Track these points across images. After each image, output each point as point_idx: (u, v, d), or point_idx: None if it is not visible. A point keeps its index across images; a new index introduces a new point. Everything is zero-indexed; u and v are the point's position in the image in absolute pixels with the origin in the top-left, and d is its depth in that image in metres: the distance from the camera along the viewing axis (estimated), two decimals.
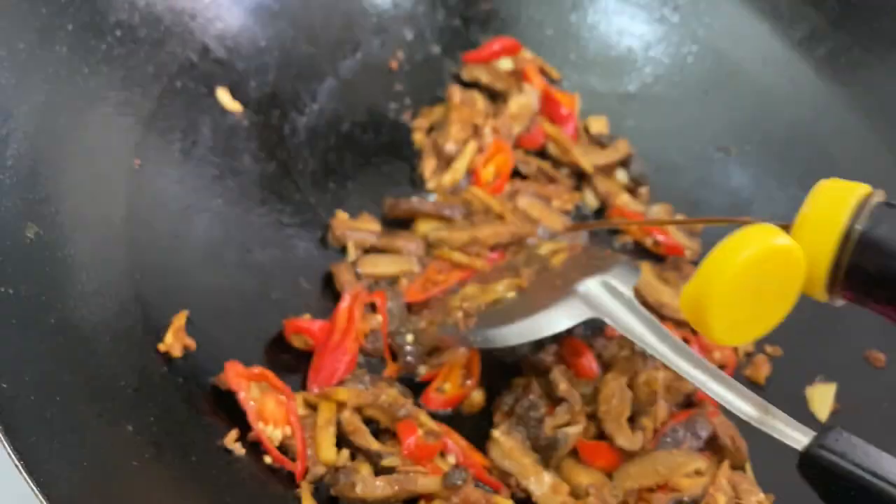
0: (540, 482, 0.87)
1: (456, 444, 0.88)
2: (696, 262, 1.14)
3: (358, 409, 0.86)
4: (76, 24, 0.92)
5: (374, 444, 0.84)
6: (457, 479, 0.79)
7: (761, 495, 0.88)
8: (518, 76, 1.25)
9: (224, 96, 1.07)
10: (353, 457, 0.84)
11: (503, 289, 0.97)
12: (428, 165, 1.17)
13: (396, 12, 1.23)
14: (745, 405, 0.81)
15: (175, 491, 0.71)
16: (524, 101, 1.21)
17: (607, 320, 0.89)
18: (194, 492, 0.72)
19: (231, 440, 0.79)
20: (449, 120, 1.17)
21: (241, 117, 1.08)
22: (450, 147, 1.15)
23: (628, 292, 0.92)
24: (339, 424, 0.85)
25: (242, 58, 1.10)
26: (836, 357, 1.04)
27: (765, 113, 1.23)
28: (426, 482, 0.80)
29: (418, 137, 1.19)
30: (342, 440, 0.84)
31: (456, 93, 1.20)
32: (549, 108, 1.23)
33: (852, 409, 1.00)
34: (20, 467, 0.60)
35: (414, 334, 0.97)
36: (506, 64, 1.26)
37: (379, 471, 0.82)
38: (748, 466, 0.93)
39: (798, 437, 0.78)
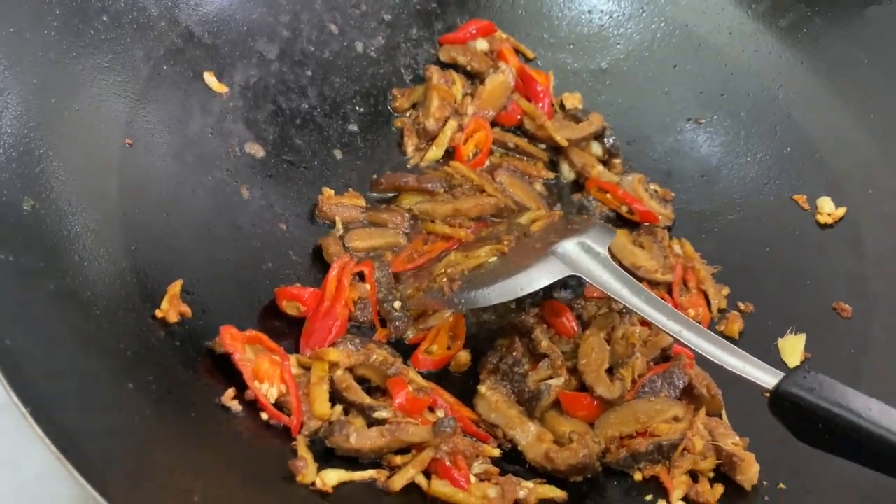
0: (525, 432, 0.91)
1: (444, 400, 0.92)
2: (669, 228, 1.19)
3: (350, 369, 0.89)
4: (64, 9, 0.95)
5: (366, 399, 0.87)
6: (446, 427, 0.82)
7: (736, 438, 0.92)
8: (494, 56, 1.29)
9: (211, 79, 1.10)
10: (346, 412, 0.87)
11: (485, 254, 1.02)
12: (410, 143, 1.20)
13: None
14: (717, 350, 0.87)
15: (177, 443, 0.74)
16: (501, 79, 1.25)
17: (584, 277, 0.94)
18: (195, 444, 0.75)
19: (228, 398, 0.82)
20: (429, 99, 1.21)
21: (228, 99, 1.11)
22: (431, 125, 1.19)
23: (603, 251, 0.97)
24: (331, 382, 0.88)
25: (227, 42, 1.13)
26: (806, 310, 1.09)
27: (731, 83, 1.28)
28: (417, 431, 0.83)
29: (399, 117, 1.23)
30: (336, 397, 0.87)
31: (435, 73, 1.24)
32: (525, 85, 1.28)
33: (821, 357, 1.04)
34: (27, 414, 0.63)
35: (401, 301, 1.00)
36: (482, 45, 1.30)
37: (371, 423, 0.85)
38: (724, 412, 0.97)
39: (768, 378, 0.82)
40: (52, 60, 0.92)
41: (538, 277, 0.95)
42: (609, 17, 1.34)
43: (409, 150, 1.20)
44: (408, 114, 1.24)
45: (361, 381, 0.91)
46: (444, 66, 1.28)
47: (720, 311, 1.10)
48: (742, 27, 1.29)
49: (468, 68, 1.28)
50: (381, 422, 0.85)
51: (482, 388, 0.95)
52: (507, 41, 1.31)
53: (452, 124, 1.21)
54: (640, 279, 1.10)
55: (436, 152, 1.19)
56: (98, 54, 0.98)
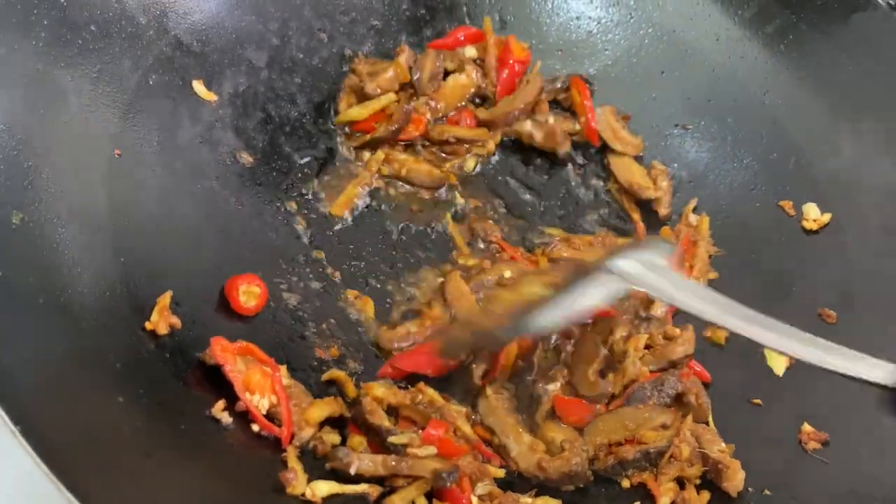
0: (518, 442, 0.92)
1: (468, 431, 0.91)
2: (639, 158, 1.25)
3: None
4: (51, 19, 0.95)
5: (385, 422, 0.87)
6: (446, 481, 0.82)
7: (722, 445, 0.93)
8: (482, 64, 1.29)
9: (199, 88, 1.10)
10: (343, 441, 0.88)
11: (536, 288, 0.96)
12: (344, 101, 1.20)
13: (362, 2, 1.27)
14: (814, 350, 0.81)
15: (167, 456, 0.74)
16: (463, 81, 1.25)
17: (646, 290, 0.90)
18: (185, 457, 0.76)
19: (218, 410, 0.83)
20: (384, 70, 1.20)
21: (217, 107, 1.11)
22: (370, 88, 1.18)
23: (661, 261, 0.91)
24: (359, 403, 0.89)
25: (216, 50, 1.13)
26: (792, 316, 1.08)
27: (718, 89, 1.29)
28: (419, 468, 0.83)
29: (352, 77, 1.22)
30: (357, 418, 0.88)
31: (405, 52, 1.23)
32: (500, 54, 1.28)
33: (806, 364, 1.05)
34: (16, 432, 0.63)
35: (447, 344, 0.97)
36: (470, 52, 1.30)
37: (384, 446, 0.86)
38: (710, 419, 0.98)
39: (880, 374, 0.77)
40: (39, 71, 0.92)
41: (590, 293, 0.90)
42: (597, 23, 1.35)
43: (342, 106, 1.20)
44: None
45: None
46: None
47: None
48: (729, 33, 1.30)
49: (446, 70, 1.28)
50: (395, 447, 0.85)
51: (489, 390, 0.96)
52: (498, 43, 1.30)
53: (391, 97, 1.19)
54: (632, 195, 1.19)
55: (357, 112, 1.18)
56: (86, 64, 0.98)
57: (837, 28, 1.25)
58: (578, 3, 1.35)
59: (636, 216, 1.22)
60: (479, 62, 1.29)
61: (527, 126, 1.25)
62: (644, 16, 1.33)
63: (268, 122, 1.16)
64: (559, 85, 1.29)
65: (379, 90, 1.18)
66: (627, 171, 1.24)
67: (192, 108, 1.08)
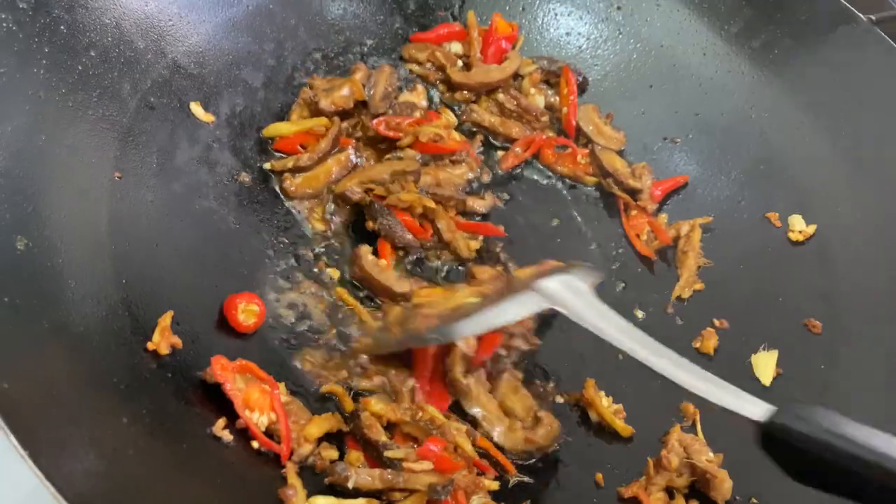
0: (501, 424, 0.98)
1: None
2: (620, 152, 1.29)
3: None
4: (52, 46, 0.98)
5: (382, 437, 0.90)
6: (441, 494, 0.85)
7: (710, 454, 0.96)
8: (464, 58, 1.32)
9: (197, 109, 1.13)
10: (341, 456, 0.90)
11: (465, 295, 1.02)
12: (296, 113, 1.21)
13: (356, 22, 1.30)
14: (706, 385, 0.84)
15: (170, 475, 0.77)
16: (414, 99, 1.27)
17: (563, 311, 0.93)
18: (187, 475, 0.78)
19: (219, 428, 0.85)
20: (339, 86, 1.21)
21: (215, 128, 1.14)
22: (325, 104, 1.19)
23: (584, 287, 0.95)
24: (357, 418, 0.91)
25: (213, 72, 1.16)
26: (778, 326, 1.13)
27: (706, 103, 1.32)
28: (416, 482, 0.86)
29: (306, 91, 1.22)
30: (356, 432, 0.91)
31: (360, 69, 1.25)
32: (487, 32, 1.32)
33: (793, 374, 1.08)
34: (26, 457, 0.66)
35: (379, 343, 1.00)
36: (455, 48, 1.33)
37: (381, 460, 0.88)
38: (699, 428, 1.01)
39: (757, 410, 0.80)
40: (41, 98, 0.95)
41: (513, 309, 0.94)
42: (587, 39, 1.37)
43: (294, 116, 1.21)
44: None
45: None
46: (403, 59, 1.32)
47: (679, 299, 1.16)
48: (715, 48, 1.33)
49: (428, 66, 1.31)
50: (391, 462, 0.87)
51: (470, 381, 0.99)
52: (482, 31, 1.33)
53: (322, 120, 1.19)
54: (614, 181, 1.23)
55: (285, 127, 1.18)
56: (86, 89, 1.00)
57: (821, 43, 1.28)
58: (568, 20, 1.38)
59: (625, 197, 1.25)
60: (465, 58, 1.32)
61: (498, 97, 1.29)
62: (632, 31, 1.36)
63: (264, 142, 1.18)
64: (553, 69, 1.33)
65: (333, 106, 1.19)
66: (611, 161, 1.27)
67: (191, 130, 1.11)
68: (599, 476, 0.97)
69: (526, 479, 0.95)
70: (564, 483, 0.96)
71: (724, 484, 0.93)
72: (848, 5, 1.26)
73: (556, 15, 1.38)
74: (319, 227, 1.14)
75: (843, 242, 1.17)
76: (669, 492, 0.95)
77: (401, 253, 1.14)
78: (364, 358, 1.00)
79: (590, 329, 0.90)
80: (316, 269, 1.10)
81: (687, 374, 0.84)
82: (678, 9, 1.35)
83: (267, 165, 1.16)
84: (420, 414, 0.92)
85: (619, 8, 1.37)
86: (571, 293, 0.94)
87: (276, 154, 1.18)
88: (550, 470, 0.97)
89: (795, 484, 0.93)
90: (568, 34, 1.38)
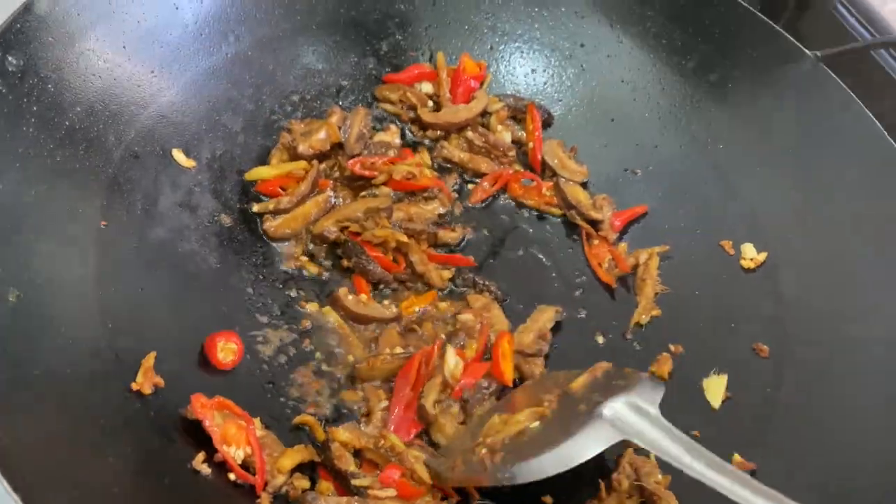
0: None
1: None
2: (584, 184, 1.36)
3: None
4: (40, 106, 1.05)
5: (350, 467, 0.96)
6: None
7: (659, 476, 1.02)
8: (436, 98, 1.39)
9: (179, 156, 1.20)
10: (312, 485, 0.97)
11: (526, 419, 1.00)
12: (276, 157, 1.27)
13: (331, 65, 1.37)
14: None
15: None
16: (386, 138, 1.34)
17: (637, 441, 0.93)
18: None
19: (199, 462, 0.92)
20: (317, 129, 1.28)
21: (196, 172, 1.21)
22: (302, 149, 1.25)
23: (654, 410, 0.95)
24: (327, 449, 0.97)
25: (193, 119, 1.23)
26: (729, 350, 1.19)
27: (664, 135, 1.38)
28: None
29: (286, 135, 1.28)
30: (325, 462, 0.97)
31: (336, 112, 1.32)
32: (455, 72, 1.39)
33: (741, 397, 1.14)
34: (18, 500, 0.73)
35: (437, 473, 0.98)
36: (426, 87, 1.40)
37: (348, 489, 0.95)
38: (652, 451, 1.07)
39: None
40: (30, 155, 1.02)
41: (587, 446, 0.92)
42: (552, 76, 1.44)
43: (273, 160, 1.27)
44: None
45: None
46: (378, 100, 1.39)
47: (637, 325, 1.22)
48: (673, 82, 1.39)
49: (400, 105, 1.38)
50: (358, 490, 0.94)
51: (440, 417, 1.03)
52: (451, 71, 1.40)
53: (301, 164, 1.25)
54: (577, 212, 1.29)
55: (266, 171, 1.24)
56: (73, 144, 1.08)
57: (772, 78, 1.34)
58: (534, 57, 1.45)
59: (587, 227, 1.32)
60: (435, 98, 1.39)
61: (468, 134, 1.36)
62: (595, 68, 1.43)
63: (244, 183, 1.25)
64: (519, 106, 1.40)
65: (311, 150, 1.25)
66: (574, 193, 1.34)
67: (173, 176, 1.18)
68: (549, 498, 1.03)
69: (488, 502, 1.02)
70: None
71: None
72: (795, 42, 1.32)
73: (522, 53, 1.45)
74: (297, 264, 1.21)
75: (792, 269, 1.23)
76: None
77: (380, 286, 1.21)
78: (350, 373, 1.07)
79: (666, 459, 0.91)
80: (294, 304, 1.17)
81: (752, 493, 0.85)
82: (638, 45, 1.42)
83: (255, 208, 1.22)
84: (382, 441, 0.98)
85: (582, 45, 1.44)
86: (642, 418, 0.94)
87: (256, 194, 1.25)
88: (512, 493, 1.03)
89: None
90: (534, 71, 1.44)
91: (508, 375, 1.10)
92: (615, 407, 0.95)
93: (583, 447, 0.92)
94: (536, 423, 0.99)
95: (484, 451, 0.97)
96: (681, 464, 0.89)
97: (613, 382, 1.01)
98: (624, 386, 0.98)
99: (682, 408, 1.13)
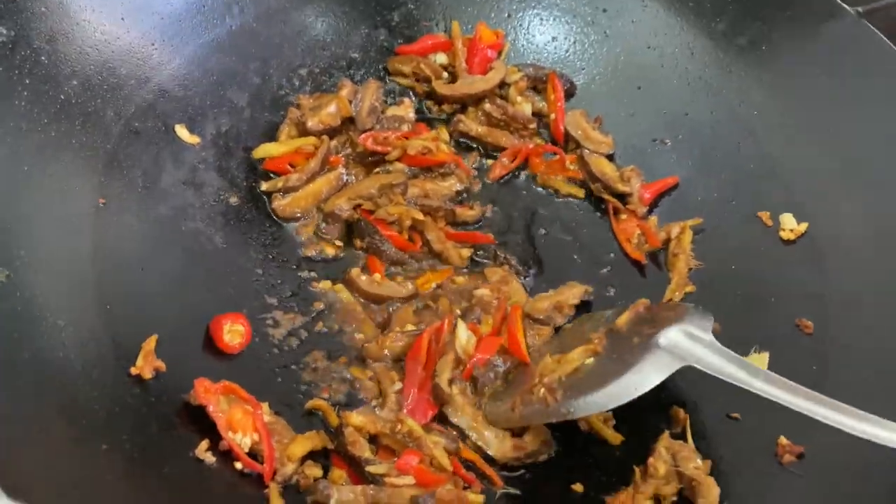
0: (488, 434, 0.97)
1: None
2: (610, 157, 1.28)
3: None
4: (33, 78, 1.00)
5: (365, 453, 0.90)
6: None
7: (699, 461, 0.95)
8: (451, 69, 1.32)
9: (182, 131, 1.14)
10: (325, 474, 0.91)
11: (579, 356, 0.99)
12: (285, 133, 1.21)
13: (340, 36, 1.30)
14: (855, 422, 0.84)
15: (150, 500, 0.78)
16: (400, 112, 1.27)
17: (698, 366, 0.92)
18: (167, 500, 0.79)
19: (202, 450, 0.86)
20: (326, 104, 1.21)
21: (201, 149, 1.15)
22: (312, 123, 1.19)
23: (708, 336, 0.94)
24: (340, 434, 0.92)
25: (197, 94, 1.17)
26: (770, 327, 1.11)
27: (694, 103, 1.30)
28: (397, 497, 0.86)
29: (294, 110, 1.22)
30: (339, 448, 0.91)
31: (346, 85, 1.26)
32: (472, 42, 1.32)
33: (784, 375, 1.05)
34: (1, 489, 0.67)
35: (496, 418, 0.98)
36: (441, 59, 1.33)
37: (363, 476, 0.89)
38: (689, 435, 1.00)
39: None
40: (23, 130, 0.97)
41: (650, 374, 0.91)
42: (573, 43, 1.37)
43: (282, 136, 1.21)
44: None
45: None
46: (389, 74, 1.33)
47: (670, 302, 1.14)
48: (702, 46, 1.32)
49: (414, 79, 1.31)
50: (374, 478, 0.88)
51: (455, 390, 0.98)
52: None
53: (310, 139, 1.19)
54: (603, 186, 1.22)
55: (274, 147, 1.19)
56: (69, 118, 1.02)
57: (808, 38, 1.26)
58: (554, 25, 1.37)
59: (613, 202, 1.24)
60: (451, 69, 1.32)
61: (485, 107, 1.29)
62: (619, 33, 1.35)
63: (251, 160, 1.19)
64: (540, 75, 1.33)
65: (321, 125, 1.19)
66: (600, 166, 1.27)
67: (176, 152, 1.12)
68: (579, 486, 0.96)
69: (512, 490, 0.95)
70: (551, 494, 0.96)
71: (712, 491, 0.92)
72: None
73: (541, 20, 1.38)
74: (309, 244, 1.15)
75: (835, 240, 1.15)
76: (657, 500, 0.94)
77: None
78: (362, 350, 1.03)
79: (725, 378, 0.90)
80: (306, 286, 1.11)
81: (837, 413, 0.84)
82: (665, 8, 1.34)
83: (263, 187, 1.16)
84: (399, 426, 0.92)
85: (604, 10, 1.36)
86: (698, 344, 0.93)
87: (264, 172, 1.19)
88: (538, 480, 0.97)
89: (783, 493, 0.92)
90: (554, 39, 1.37)
91: (525, 349, 1.03)
92: (670, 335, 0.94)
93: (644, 376, 0.91)
94: (591, 360, 0.98)
95: (542, 390, 0.96)
96: (750, 386, 0.88)
97: (661, 314, 1.00)
98: (674, 316, 0.97)
99: (720, 388, 1.06)
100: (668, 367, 0.92)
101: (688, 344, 0.93)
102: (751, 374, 0.89)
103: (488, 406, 0.99)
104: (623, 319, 1.02)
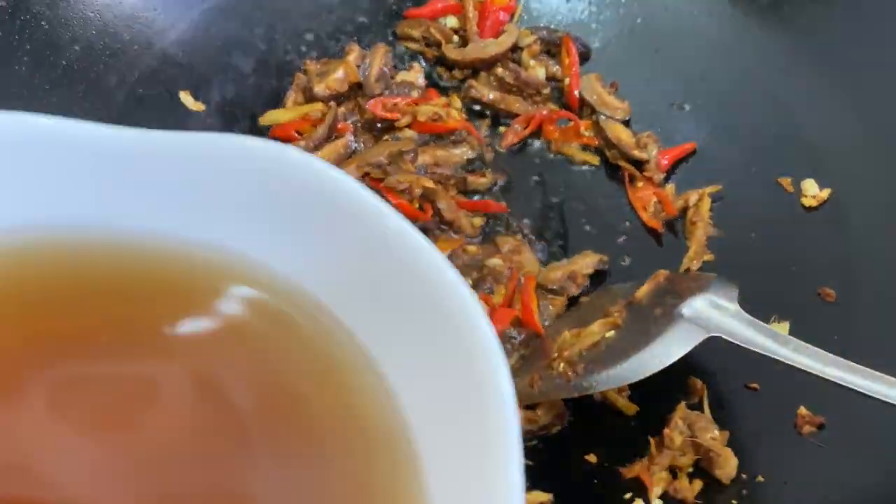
0: None
1: None
2: (626, 122, 1.24)
3: None
4: (34, 43, 0.98)
5: None
6: None
7: (716, 432, 0.93)
8: (461, 33, 1.29)
9: (187, 98, 1.12)
10: None
11: (598, 329, 0.96)
12: (291, 99, 1.18)
13: (346, 1, 1.28)
14: (875, 385, 0.83)
15: None
16: (409, 78, 1.24)
17: (725, 336, 0.89)
18: None
19: None
20: (334, 69, 1.19)
21: (206, 116, 1.13)
22: (319, 89, 1.16)
23: (734, 306, 0.91)
24: None
25: (202, 60, 1.15)
26: (791, 296, 1.08)
27: (713, 65, 1.26)
28: None
29: (301, 76, 1.20)
30: None
31: (354, 50, 1.23)
32: (483, 4, 1.29)
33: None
34: None
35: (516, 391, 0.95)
36: (451, 21, 1.30)
37: None
38: (706, 405, 0.98)
39: None
40: (24, 96, 0.95)
41: (674, 345, 0.88)
42: (589, 4, 1.33)
43: (288, 102, 1.18)
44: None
45: None
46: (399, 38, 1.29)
47: (688, 271, 1.11)
48: (722, 7, 1.27)
49: (423, 42, 1.28)
50: None
51: None
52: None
53: (317, 105, 1.17)
54: (619, 152, 1.19)
55: (281, 114, 1.16)
56: (71, 84, 1.01)
57: None
58: None
59: (629, 169, 1.20)
60: (462, 33, 1.29)
61: (498, 72, 1.25)
62: None
63: (256, 128, 1.17)
64: (553, 39, 1.29)
65: (328, 91, 1.16)
66: (616, 132, 1.23)
67: (181, 120, 1.10)
68: (593, 457, 0.94)
69: (524, 461, 0.93)
70: (564, 465, 0.94)
71: (729, 462, 0.90)
72: None
73: None
74: None
75: (859, 206, 1.12)
76: (673, 471, 0.92)
77: None
78: None
79: (755, 349, 0.88)
80: None
81: (868, 380, 0.82)
82: None
83: None
84: None
85: None
86: (724, 314, 0.90)
87: (271, 139, 1.16)
88: (550, 451, 0.95)
89: (803, 463, 0.90)
90: (568, 0, 1.33)
91: (538, 320, 1.01)
92: (695, 305, 0.91)
93: (669, 348, 0.88)
94: (611, 333, 0.95)
95: (562, 365, 0.93)
96: (779, 356, 0.86)
97: (683, 285, 0.96)
98: (697, 286, 0.94)
99: (739, 358, 1.03)
100: (693, 337, 0.89)
101: (713, 313, 0.90)
102: (780, 343, 0.87)
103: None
104: (643, 291, 0.99)
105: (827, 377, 0.84)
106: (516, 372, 0.97)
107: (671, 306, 0.92)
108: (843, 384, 0.83)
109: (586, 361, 0.92)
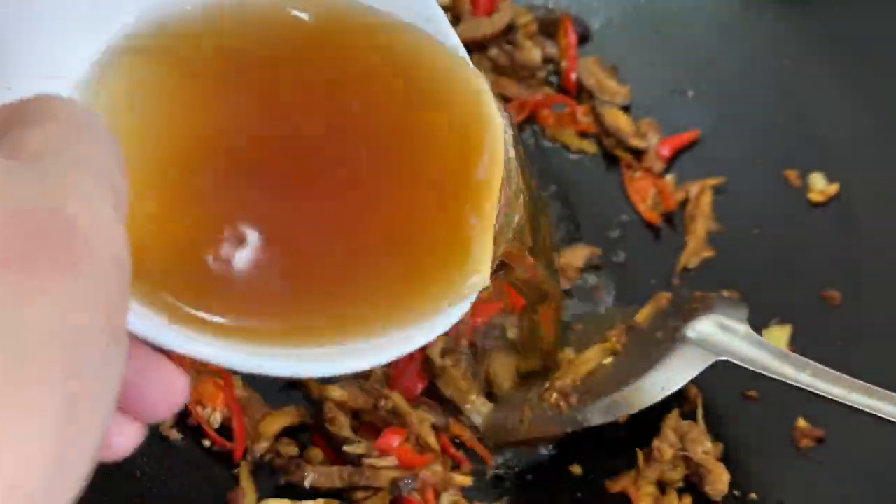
0: (481, 410, 0.90)
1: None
2: (626, 108, 1.18)
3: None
4: None
5: (342, 432, 0.84)
6: (403, 489, 0.79)
7: (708, 445, 0.87)
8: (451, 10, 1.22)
9: None
10: (302, 449, 0.85)
11: (596, 356, 0.89)
12: None
13: None
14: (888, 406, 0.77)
15: (104, 483, 0.72)
16: None
17: (734, 360, 0.83)
18: (126, 482, 0.74)
19: (166, 428, 0.80)
20: None
21: None
22: None
23: (744, 327, 0.85)
24: (322, 410, 0.85)
25: None
26: (793, 297, 1.03)
27: (719, 51, 1.20)
28: (375, 478, 0.80)
29: None
30: (318, 426, 0.86)
31: None
32: None
33: (807, 350, 0.98)
34: None
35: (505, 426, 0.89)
36: None
37: (341, 455, 0.83)
38: (700, 415, 0.92)
39: None
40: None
41: (679, 371, 0.82)
42: None
43: None
44: None
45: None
46: None
47: (685, 268, 1.07)
48: None
49: None
50: (352, 458, 0.82)
51: (448, 362, 0.91)
52: None
53: None
54: (617, 140, 1.13)
55: None
56: None
57: None
58: None
59: (627, 158, 1.15)
60: (453, 11, 1.23)
61: (491, 53, 1.19)
62: None
63: None
64: (551, 18, 1.22)
65: None
66: (614, 118, 1.17)
67: None
68: (577, 468, 0.89)
69: (504, 471, 0.89)
70: (547, 476, 0.90)
71: (721, 478, 0.85)
72: None
73: None
74: None
75: (869, 203, 1.06)
76: (662, 486, 0.88)
77: None
78: None
79: (768, 374, 0.82)
80: None
81: (882, 402, 0.77)
82: None
83: None
84: (384, 402, 0.85)
85: None
86: (733, 336, 0.84)
87: None
88: (533, 461, 0.90)
89: (799, 481, 0.85)
90: None
91: None
92: (700, 327, 0.84)
93: (673, 374, 0.81)
94: (609, 360, 0.88)
95: (554, 395, 0.86)
96: (796, 381, 0.80)
97: (687, 305, 0.90)
98: (702, 307, 0.88)
99: (737, 366, 0.98)
100: (700, 362, 0.82)
101: (721, 336, 0.84)
102: (797, 368, 0.81)
103: (494, 415, 0.90)
104: (643, 315, 0.92)
105: (852, 405, 0.78)
106: (500, 405, 0.91)
107: (675, 329, 0.86)
108: (870, 412, 0.77)
109: (581, 391, 0.86)
